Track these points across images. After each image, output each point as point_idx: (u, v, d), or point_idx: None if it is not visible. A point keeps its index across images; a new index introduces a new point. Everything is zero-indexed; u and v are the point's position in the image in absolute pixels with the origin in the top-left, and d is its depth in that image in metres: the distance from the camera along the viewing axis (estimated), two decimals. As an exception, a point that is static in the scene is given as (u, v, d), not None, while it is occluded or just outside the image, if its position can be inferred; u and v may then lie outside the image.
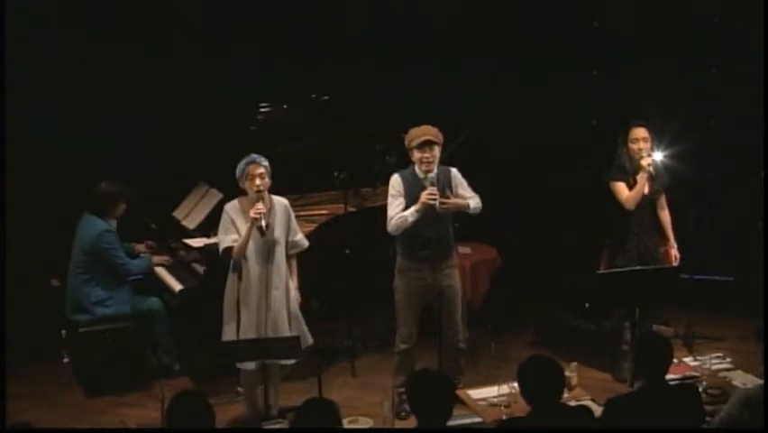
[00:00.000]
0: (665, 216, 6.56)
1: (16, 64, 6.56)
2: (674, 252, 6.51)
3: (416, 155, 5.88)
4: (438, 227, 5.95)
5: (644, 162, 6.25)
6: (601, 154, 6.80)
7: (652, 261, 6.37)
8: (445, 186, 5.96)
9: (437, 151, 5.88)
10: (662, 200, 6.55)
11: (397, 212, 5.88)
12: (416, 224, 5.86)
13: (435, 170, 5.89)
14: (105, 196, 6.67)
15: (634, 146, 6.35)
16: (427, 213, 5.85)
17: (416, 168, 5.94)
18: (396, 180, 5.97)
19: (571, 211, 7.89)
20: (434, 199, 5.78)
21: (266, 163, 5.74)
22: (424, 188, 5.83)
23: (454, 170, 6.05)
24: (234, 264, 5.78)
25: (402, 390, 5.91)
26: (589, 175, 6.87)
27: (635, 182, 6.34)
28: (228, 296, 5.84)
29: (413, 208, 5.84)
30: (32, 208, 7.21)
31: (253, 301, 5.77)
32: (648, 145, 6.33)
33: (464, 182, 6.07)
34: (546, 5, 8.02)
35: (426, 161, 5.86)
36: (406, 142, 5.95)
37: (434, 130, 5.91)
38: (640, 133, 6.35)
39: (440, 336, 5.94)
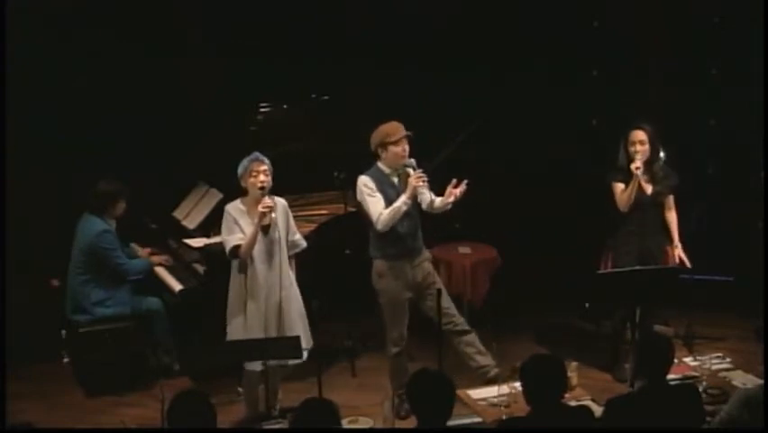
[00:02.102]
0: (671, 216, 6.56)
1: (16, 64, 6.56)
2: (677, 251, 6.51)
3: (394, 150, 5.89)
4: (410, 222, 5.96)
5: (633, 166, 6.27)
6: (601, 154, 6.80)
7: (653, 262, 6.36)
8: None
9: None
10: (670, 201, 6.55)
11: (383, 206, 5.87)
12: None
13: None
14: (103, 195, 6.67)
15: (631, 149, 6.36)
16: (415, 199, 5.87)
17: (382, 165, 5.95)
18: (367, 180, 5.94)
19: (571, 211, 7.89)
20: (425, 181, 5.78)
21: (269, 162, 5.75)
22: (393, 184, 5.91)
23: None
24: (240, 265, 5.76)
25: (402, 391, 5.91)
26: (589, 175, 6.85)
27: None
28: (234, 296, 5.81)
29: (404, 197, 5.83)
30: (32, 208, 7.20)
31: (261, 301, 5.76)
32: (645, 148, 6.32)
33: None
34: (546, 5, 8.01)
35: (404, 155, 5.89)
36: (379, 139, 5.92)
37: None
38: (638, 135, 6.35)
39: (438, 336, 5.92)
